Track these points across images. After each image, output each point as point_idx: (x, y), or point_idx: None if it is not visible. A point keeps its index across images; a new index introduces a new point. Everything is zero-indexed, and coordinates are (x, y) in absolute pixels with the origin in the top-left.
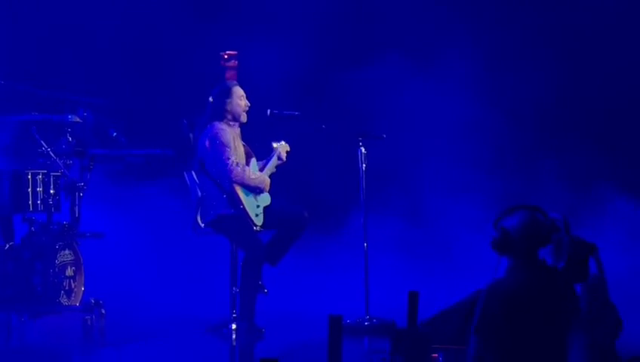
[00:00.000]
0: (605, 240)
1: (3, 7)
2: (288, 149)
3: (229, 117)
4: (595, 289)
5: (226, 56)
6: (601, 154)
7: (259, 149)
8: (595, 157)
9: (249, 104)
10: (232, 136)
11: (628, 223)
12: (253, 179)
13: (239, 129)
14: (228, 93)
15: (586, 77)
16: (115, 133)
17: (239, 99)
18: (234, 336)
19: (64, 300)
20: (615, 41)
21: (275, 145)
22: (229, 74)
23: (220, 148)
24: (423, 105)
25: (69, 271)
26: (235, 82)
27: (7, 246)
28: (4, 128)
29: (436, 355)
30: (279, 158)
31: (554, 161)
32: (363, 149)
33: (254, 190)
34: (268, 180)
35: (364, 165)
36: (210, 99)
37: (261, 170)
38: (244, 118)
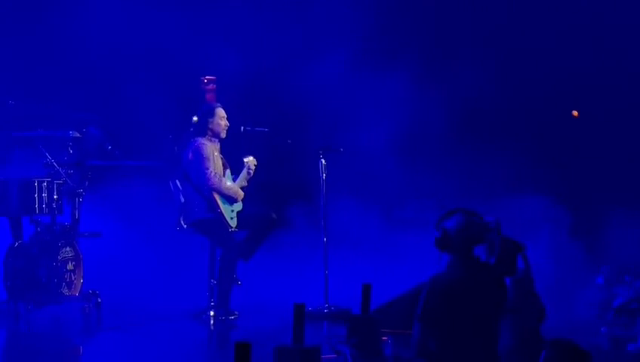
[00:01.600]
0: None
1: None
2: (256, 163)
3: (210, 133)
4: (522, 282)
5: (206, 81)
6: (532, 158)
7: (233, 161)
8: (527, 161)
9: (228, 124)
10: (212, 150)
11: (551, 224)
12: (228, 189)
13: (219, 144)
14: (211, 113)
15: (522, 81)
16: (110, 147)
17: (220, 119)
18: (212, 322)
19: (65, 291)
20: (551, 46)
21: (245, 159)
22: (209, 96)
23: (201, 160)
24: (370, 116)
25: (70, 266)
26: (218, 104)
27: (17, 244)
28: (15, 142)
29: (386, 338)
30: (248, 171)
31: (495, 163)
32: (323, 161)
33: (229, 198)
34: (240, 191)
35: (324, 174)
36: (195, 118)
37: (234, 181)
38: (223, 135)
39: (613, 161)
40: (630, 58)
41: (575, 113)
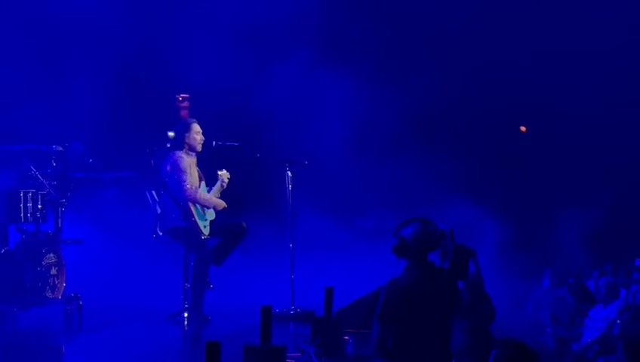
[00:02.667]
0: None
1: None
2: (229, 176)
3: (187, 147)
4: (473, 285)
5: (180, 98)
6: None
7: (206, 173)
8: (476, 170)
9: (204, 138)
10: (188, 163)
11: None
12: (203, 199)
13: (195, 158)
14: (188, 128)
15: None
16: (90, 160)
17: (196, 134)
18: (186, 323)
19: (49, 294)
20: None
21: (219, 173)
22: (183, 112)
23: (178, 172)
24: (330, 126)
25: (53, 271)
26: (194, 120)
27: (3, 250)
28: (2, 156)
29: (347, 338)
30: (222, 184)
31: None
32: (289, 173)
33: (204, 207)
34: (215, 199)
35: (290, 185)
36: (171, 133)
37: (208, 193)
38: (199, 149)
39: (557, 169)
40: (575, 75)
41: (523, 128)
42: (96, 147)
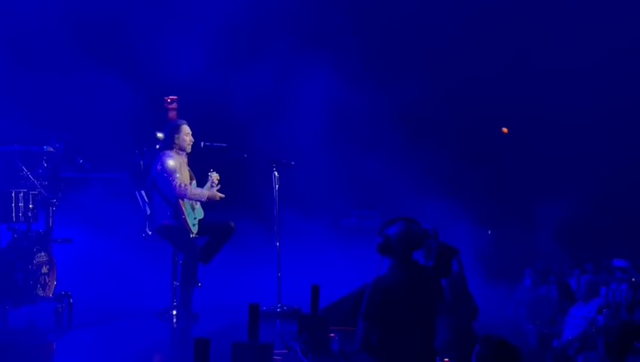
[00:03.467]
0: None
1: None
2: (219, 178)
3: (177, 148)
4: (456, 283)
5: (169, 100)
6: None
7: (196, 173)
8: (458, 169)
9: (193, 140)
10: (178, 162)
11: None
12: (195, 194)
13: (186, 157)
14: (177, 129)
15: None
16: (81, 161)
17: (185, 135)
18: (175, 320)
19: (40, 292)
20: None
21: (210, 174)
22: (171, 114)
23: (168, 171)
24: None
25: (44, 269)
26: (183, 121)
27: None
28: None
29: (333, 335)
30: (212, 184)
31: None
32: (276, 173)
33: (193, 207)
34: (208, 191)
35: (277, 185)
36: (161, 134)
37: None
38: (188, 149)
39: (538, 170)
40: (554, 78)
41: (505, 130)
42: (86, 148)
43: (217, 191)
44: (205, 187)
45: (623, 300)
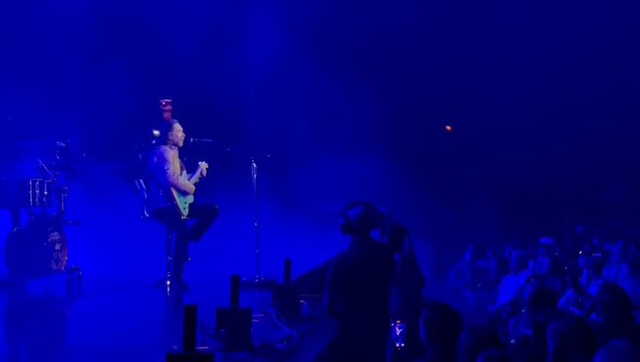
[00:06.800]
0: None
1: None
2: (208, 167)
3: (171, 143)
4: (407, 258)
5: (164, 103)
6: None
7: (186, 164)
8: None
9: (184, 135)
10: (172, 155)
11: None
12: (183, 185)
13: (178, 151)
14: (170, 127)
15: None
16: (84, 154)
17: (178, 132)
18: (168, 290)
19: (54, 266)
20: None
21: (200, 163)
22: (166, 115)
23: (163, 163)
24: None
25: (57, 247)
26: (175, 120)
27: (15, 229)
28: (14, 150)
29: (303, 301)
30: (201, 173)
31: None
32: (254, 164)
33: (184, 193)
34: (193, 187)
35: (255, 175)
36: (157, 132)
37: (189, 179)
38: (181, 144)
39: (478, 166)
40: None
41: (448, 128)
42: (94, 143)
43: (205, 176)
44: (195, 174)
45: (546, 272)
